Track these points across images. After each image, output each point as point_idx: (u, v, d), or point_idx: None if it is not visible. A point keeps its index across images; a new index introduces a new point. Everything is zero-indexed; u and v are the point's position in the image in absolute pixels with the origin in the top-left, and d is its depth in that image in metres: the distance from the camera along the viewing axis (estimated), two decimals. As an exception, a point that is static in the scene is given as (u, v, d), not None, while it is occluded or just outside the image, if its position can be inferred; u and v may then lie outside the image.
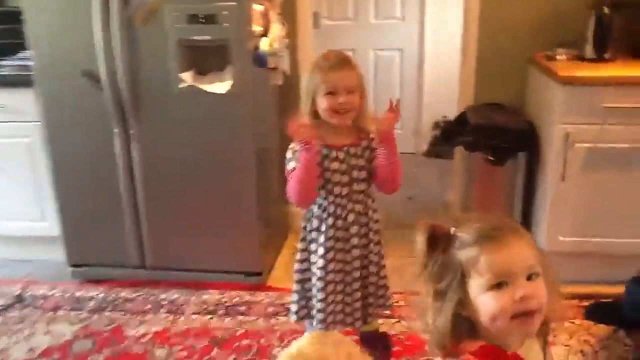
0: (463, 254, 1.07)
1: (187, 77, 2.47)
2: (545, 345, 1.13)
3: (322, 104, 1.75)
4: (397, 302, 2.61)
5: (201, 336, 2.43)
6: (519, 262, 1.03)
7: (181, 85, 2.47)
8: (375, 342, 2.05)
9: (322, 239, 1.87)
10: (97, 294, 2.76)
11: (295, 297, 1.99)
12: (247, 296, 2.71)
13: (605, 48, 2.69)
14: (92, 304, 2.69)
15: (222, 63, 2.47)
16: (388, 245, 3.10)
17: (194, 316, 2.58)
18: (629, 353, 2.05)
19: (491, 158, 2.81)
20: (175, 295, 2.73)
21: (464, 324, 1.09)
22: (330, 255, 1.87)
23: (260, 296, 2.71)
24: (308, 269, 1.94)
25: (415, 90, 4.71)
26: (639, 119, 2.35)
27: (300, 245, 1.95)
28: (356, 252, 1.88)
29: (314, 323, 1.94)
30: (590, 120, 2.47)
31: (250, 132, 2.55)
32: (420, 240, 1.12)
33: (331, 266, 1.87)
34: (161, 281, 2.82)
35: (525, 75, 3.05)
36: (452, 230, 1.10)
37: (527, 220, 2.93)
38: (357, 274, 1.90)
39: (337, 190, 1.83)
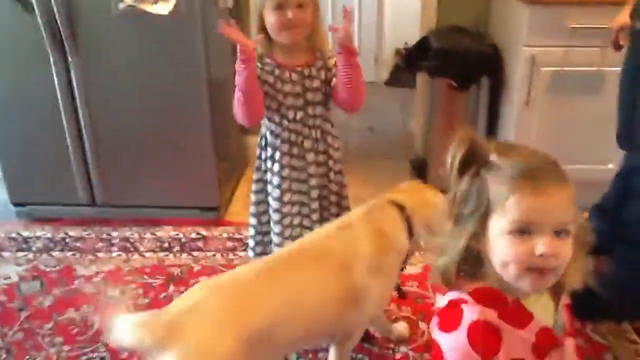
0: (494, 186, 0.95)
1: (127, -3, 2.27)
2: (556, 306, 1.04)
3: (270, 18, 1.60)
4: (358, 233, 2.58)
5: (156, 273, 2.34)
6: (552, 214, 0.91)
7: (120, 6, 2.27)
8: None
9: (276, 167, 1.76)
10: (44, 234, 2.63)
11: (251, 231, 1.91)
12: (203, 231, 2.62)
13: (572, -34, 2.58)
14: (38, 244, 2.56)
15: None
16: (348, 176, 3.03)
17: (148, 253, 2.48)
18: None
19: (454, 84, 2.72)
20: (128, 233, 2.62)
21: (473, 260, 0.99)
22: (286, 185, 1.77)
23: (218, 231, 2.62)
24: (264, 201, 1.85)
25: (375, 15, 4.56)
26: (605, 41, 2.26)
27: (255, 176, 1.85)
28: (313, 182, 1.78)
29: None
30: (556, 42, 2.40)
31: (201, 59, 2.39)
32: (454, 154, 0.99)
33: (287, 197, 1.78)
34: (112, 219, 2.70)
35: (489, -5, 2.94)
36: (492, 156, 0.97)
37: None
38: (315, 204, 1.81)
39: (291, 114, 1.71)
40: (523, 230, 0.92)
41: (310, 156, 1.76)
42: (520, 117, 2.53)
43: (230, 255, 2.44)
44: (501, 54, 2.75)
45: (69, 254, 2.49)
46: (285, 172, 1.76)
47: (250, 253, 1.93)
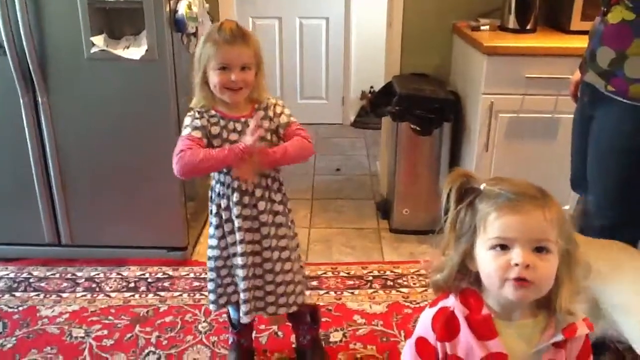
0: (481, 209, 1.08)
1: (99, 41, 2.30)
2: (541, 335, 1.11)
3: (213, 78, 1.63)
4: (324, 273, 2.62)
5: (122, 314, 2.33)
6: (528, 230, 1.02)
7: (92, 50, 2.31)
8: (302, 314, 2.01)
9: (230, 217, 1.75)
10: (6, 274, 2.59)
11: (211, 285, 1.86)
12: (170, 271, 2.62)
13: (527, 19, 2.73)
14: (1, 284, 2.52)
15: (137, 27, 2.33)
16: (315, 217, 3.09)
17: (114, 294, 2.47)
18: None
19: (417, 128, 2.82)
20: (93, 273, 2.60)
21: (469, 276, 1.12)
22: (241, 235, 1.75)
23: (184, 271, 2.62)
24: (220, 257, 1.81)
25: (342, 59, 4.68)
26: (559, 89, 2.40)
27: (210, 231, 1.82)
28: (265, 230, 1.77)
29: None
30: (513, 90, 2.51)
31: (171, 102, 2.43)
32: (450, 186, 1.13)
33: (243, 248, 1.76)
34: (78, 259, 2.68)
35: (450, 45, 3.07)
36: (483, 186, 1.10)
37: (451, 189, 2.97)
38: (268, 254, 1.79)
39: None
40: (503, 245, 1.04)
41: (261, 204, 1.75)
42: (480, 160, 2.62)
43: (197, 295, 2.44)
44: (462, 101, 2.86)
45: (33, 294, 2.46)
46: (239, 223, 1.74)
47: (212, 307, 1.90)
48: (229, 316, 2.00)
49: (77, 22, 2.28)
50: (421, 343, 1.16)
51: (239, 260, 1.77)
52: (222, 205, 1.76)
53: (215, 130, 1.69)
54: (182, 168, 1.65)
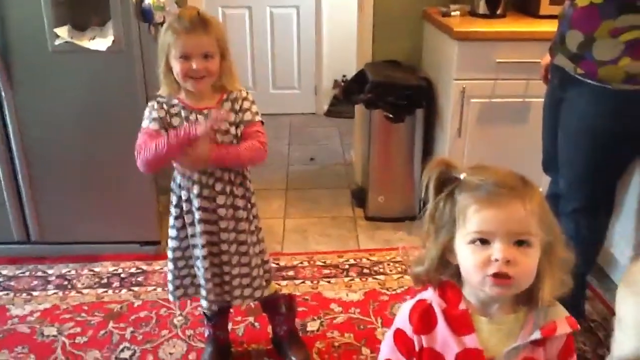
0: (461, 201, 1.04)
1: (63, 33, 2.24)
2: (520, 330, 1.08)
3: (176, 67, 1.59)
4: (300, 263, 2.61)
5: (95, 310, 2.29)
6: (507, 224, 0.98)
7: (57, 42, 2.25)
8: (277, 305, 2.00)
9: (191, 209, 1.73)
10: (-26, 274, 2.53)
11: (170, 276, 1.84)
12: (143, 266, 2.58)
13: (497, 4, 2.73)
14: (-31, 284, 2.46)
15: (103, 17, 2.27)
16: (289, 207, 3.08)
17: (86, 290, 2.42)
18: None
19: (390, 115, 2.81)
20: (64, 270, 2.55)
21: (450, 269, 1.09)
22: (201, 227, 1.73)
23: (158, 265, 2.58)
24: (179, 247, 1.79)
25: (314, 48, 4.65)
26: (529, 74, 2.41)
27: (171, 222, 1.79)
28: (224, 224, 1.74)
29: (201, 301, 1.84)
30: (485, 75, 2.52)
31: (139, 93, 2.38)
32: (429, 176, 1.08)
33: (203, 239, 1.74)
34: (48, 256, 2.62)
35: (421, 31, 3.07)
36: (463, 175, 1.05)
37: (425, 175, 2.98)
38: (225, 247, 1.76)
39: None
40: (483, 240, 1.00)
41: (221, 199, 1.72)
42: (452, 146, 2.63)
43: (172, 289, 2.41)
44: (433, 87, 2.86)
45: (2, 293, 2.40)
46: (199, 215, 1.72)
47: (171, 297, 1.88)
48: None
49: (39, 14, 2.22)
50: (399, 335, 1.13)
51: (198, 252, 1.75)
52: (183, 197, 1.73)
53: (176, 121, 1.66)
54: (142, 167, 1.64)
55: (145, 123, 1.66)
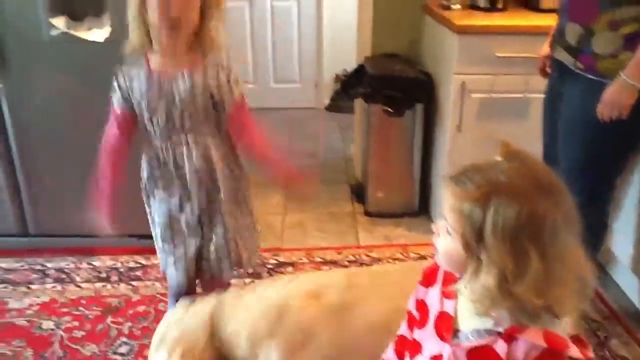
0: None
1: (60, 23, 2.24)
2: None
3: (151, 9, 1.44)
4: (299, 259, 2.60)
5: (93, 305, 2.28)
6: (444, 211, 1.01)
7: (53, 33, 2.24)
8: None
9: (155, 184, 1.71)
10: (-28, 267, 2.53)
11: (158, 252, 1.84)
12: (142, 260, 2.57)
13: (498, -3, 2.72)
14: (-33, 277, 2.46)
15: (100, 8, 2.26)
16: (288, 201, 3.04)
17: (85, 284, 2.42)
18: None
19: (389, 109, 2.80)
20: (63, 263, 2.55)
21: None
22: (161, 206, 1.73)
23: (157, 259, 2.56)
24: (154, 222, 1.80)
25: (314, 42, 4.62)
26: (530, 68, 2.38)
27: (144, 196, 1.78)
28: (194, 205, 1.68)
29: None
30: (485, 69, 2.50)
31: (137, 86, 2.37)
32: None
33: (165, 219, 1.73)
34: (46, 249, 2.62)
35: (421, 24, 3.04)
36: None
37: (426, 171, 2.97)
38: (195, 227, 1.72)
39: (161, 122, 1.58)
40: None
41: (191, 176, 1.65)
42: (452, 141, 2.62)
43: (170, 284, 2.41)
44: (433, 81, 2.84)
45: (0, 286, 2.40)
46: (159, 191, 1.70)
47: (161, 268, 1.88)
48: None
49: (35, 3, 2.21)
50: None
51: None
52: (148, 174, 1.71)
53: (132, 85, 1.57)
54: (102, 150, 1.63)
55: (113, 101, 1.61)
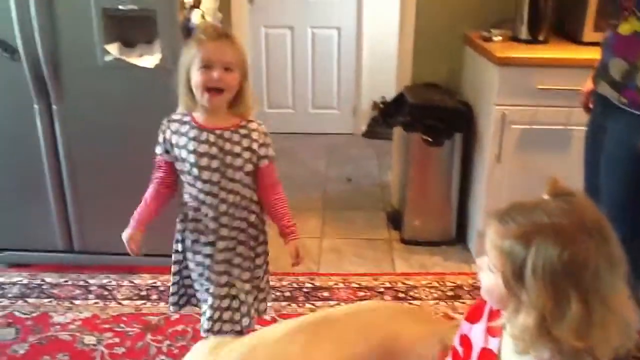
0: None
1: (113, 49, 2.33)
2: None
3: (196, 78, 1.61)
4: (335, 284, 2.62)
5: (133, 322, 2.34)
6: None
7: (107, 58, 2.34)
8: None
9: (192, 227, 1.79)
10: (20, 280, 2.61)
11: (174, 288, 1.91)
12: (181, 280, 2.62)
13: (539, 30, 2.72)
14: (14, 290, 2.54)
15: (151, 35, 2.35)
16: (325, 226, 3.09)
17: (126, 301, 2.48)
18: None
19: (428, 138, 2.82)
20: (105, 280, 2.62)
21: None
22: (206, 250, 1.80)
23: (195, 279, 2.62)
24: (185, 259, 1.86)
25: (354, 70, 4.68)
26: (571, 101, 2.38)
27: (176, 236, 1.87)
28: (221, 245, 1.77)
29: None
30: (525, 101, 2.51)
31: (183, 110, 2.44)
32: None
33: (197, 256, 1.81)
34: (89, 265, 2.70)
35: (462, 55, 3.07)
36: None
37: (464, 200, 2.97)
38: (221, 267, 1.80)
39: (205, 175, 1.70)
40: None
41: (224, 219, 1.75)
42: (491, 172, 2.62)
43: (208, 304, 2.45)
44: (473, 111, 2.86)
45: (45, 300, 2.48)
46: (197, 239, 1.79)
47: (172, 308, 1.94)
48: None
49: (90, 30, 2.31)
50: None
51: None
52: (189, 217, 1.79)
53: (176, 140, 1.71)
54: None
55: (158, 149, 1.78)
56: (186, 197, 1.78)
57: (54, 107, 2.44)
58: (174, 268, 1.88)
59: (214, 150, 1.67)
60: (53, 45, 2.34)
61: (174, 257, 1.88)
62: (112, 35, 2.35)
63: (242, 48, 1.68)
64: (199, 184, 1.71)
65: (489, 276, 1.03)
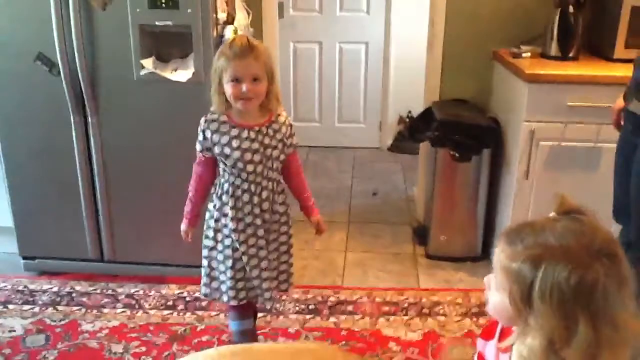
0: None
1: (148, 64, 2.39)
2: None
3: (228, 89, 1.77)
4: (360, 297, 2.62)
5: (160, 331, 2.36)
6: None
7: (142, 72, 2.39)
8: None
9: (234, 214, 1.88)
10: (50, 288, 2.67)
11: (205, 278, 2.02)
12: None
13: (569, 46, 2.71)
14: (45, 297, 2.59)
15: (185, 50, 2.40)
16: (350, 240, 3.11)
17: (153, 311, 2.51)
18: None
19: (456, 154, 2.81)
20: (133, 290, 2.66)
21: None
22: (249, 231, 1.91)
23: (222, 291, 2.64)
24: (215, 247, 1.96)
25: (381, 84, 4.70)
26: (601, 118, 2.37)
27: (207, 223, 1.98)
28: (261, 231, 1.92)
29: (225, 299, 1.99)
30: (555, 118, 2.49)
31: (213, 123, 2.48)
32: None
33: (243, 243, 1.91)
34: (118, 275, 2.74)
35: (491, 71, 3.07)
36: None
37: (490, 216, 2.95)
38: (263, 252, 1.93)
39: (250, 167, 1.84)
40: None
41: (265, 205, 1.90)
42: (519, 188, 2.60)
43: (234, 315, 2.46)
44: (502, 127, 2.85)
45: (75, 308, 2.52)
46: (249, 219, 1.89)
47: (203, 290, 2.05)
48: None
49: (128, 45, 2.37)
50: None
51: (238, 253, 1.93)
52: (229, 204, 1.88)
53: (218, 138, 1.83)
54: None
55: (198, 146, 1.89)
56: (226, 187, 1.89)
57: (90, 119, 2.50)
58: (204, 253, 2.00)
59: (256, 145, 1.83)
60: (91, 60, 2.41)
61: (205, 242, 1.99)
62: (147, 50, 2.41)
63: (267, 56, 1.81)
64: (243, 175, 1.85)
65: (496, 295, 1.02)
